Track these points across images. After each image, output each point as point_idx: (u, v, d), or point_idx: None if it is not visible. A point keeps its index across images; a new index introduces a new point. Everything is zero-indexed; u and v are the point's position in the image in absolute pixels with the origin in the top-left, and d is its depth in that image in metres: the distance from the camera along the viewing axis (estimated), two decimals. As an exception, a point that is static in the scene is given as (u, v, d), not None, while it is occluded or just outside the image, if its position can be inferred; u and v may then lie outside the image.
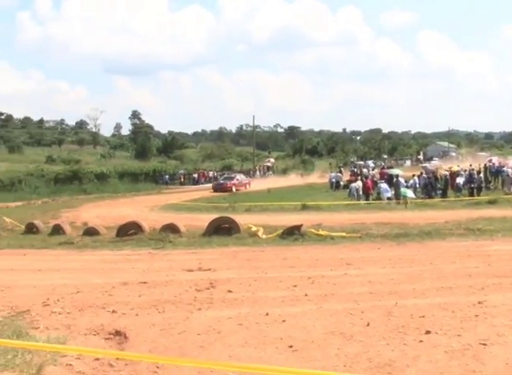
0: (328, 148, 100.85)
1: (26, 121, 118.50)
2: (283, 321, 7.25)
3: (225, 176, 56.69)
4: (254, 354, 6.05)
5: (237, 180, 52.06)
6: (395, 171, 33.98)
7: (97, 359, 6.02)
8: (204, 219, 18.16)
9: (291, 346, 6.24)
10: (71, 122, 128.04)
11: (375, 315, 7.42)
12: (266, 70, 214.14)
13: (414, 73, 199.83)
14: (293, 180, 53.67)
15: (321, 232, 15.64)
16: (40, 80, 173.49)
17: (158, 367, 5.71)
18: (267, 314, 7.58)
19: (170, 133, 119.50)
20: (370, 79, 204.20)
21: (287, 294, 8.80)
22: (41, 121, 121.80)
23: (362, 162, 63.80)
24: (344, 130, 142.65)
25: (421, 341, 6.29)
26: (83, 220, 24.72)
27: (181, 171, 68.78)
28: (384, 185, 28.04)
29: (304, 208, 24.41)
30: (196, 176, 65.41)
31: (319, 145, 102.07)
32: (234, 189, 48.11)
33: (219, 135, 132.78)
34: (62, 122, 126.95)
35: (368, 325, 6.93)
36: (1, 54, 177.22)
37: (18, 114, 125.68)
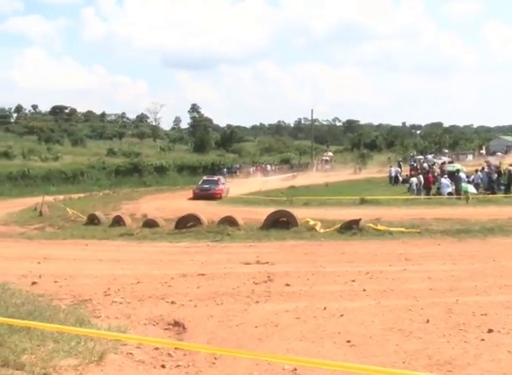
0: (387, 142, 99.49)
1: (89, 115, 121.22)
2: (341, 316, 7.20)
3: (207, 179, 46.91)
4: (311, 348, 6.03)
5: (223, 183, 44.65)
6: (454, 166, 33.29)
7: (156, 349, 6.12)
8: (262, 213, 18.19)
9: (349, 341, 6.19)
10: (132, 115, 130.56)
11: (434, 311, 7.29)
12: (325, 63, 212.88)
13: (477, 66, 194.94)
14: (351, 174, 53.23)
15: (379, 227, 15.46)
16: (102, 75, 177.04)
17: (215, 358, 5.76)
18: (325, 308, 7.55)
19: (229, 126, 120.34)
20: (432, 72, 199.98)
21: (345, 289, 8.74)
22: (103, 115, 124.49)
23: (422, 157, 62.72)
24: (404, 123, 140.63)
25: (482, 340, 6.15)
26: (142, 212, 25.12)
27: (236, 165, 69.00)
28: (445, 180, 27.51)
29: (363, 202, 24.18)
30: (251, 169, 65.32)
31: (378, 139, 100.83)
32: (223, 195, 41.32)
33: (277, 129, 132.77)
34: (123, 115, 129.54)
35: (428, 322, 6.81)
36: (66, 50, 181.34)
37: (81, 108, 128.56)
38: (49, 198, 35.76)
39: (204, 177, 48.36)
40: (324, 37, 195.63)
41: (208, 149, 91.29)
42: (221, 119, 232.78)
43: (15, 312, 7.29)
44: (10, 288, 9.22)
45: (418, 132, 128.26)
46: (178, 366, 5.69)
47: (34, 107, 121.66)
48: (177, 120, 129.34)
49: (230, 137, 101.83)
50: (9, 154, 73.81)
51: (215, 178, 46.63)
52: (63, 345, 5.99)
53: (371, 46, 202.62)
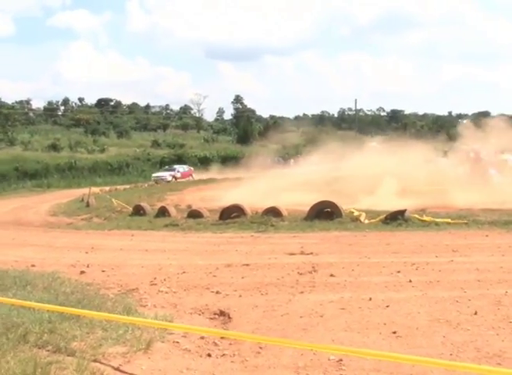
0: (432, 131, 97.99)
1: (134, 107, 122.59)
2: (387, 306, 7.15)
3: (167, 167, 57.13)
4: (356, 338, 6.01)
5: (178, 172, 53.72)
6: (504, 156, 32.53)
7: (202, 338, 6.18)
8: (306, 203, 18.14)
9: (395, 332, 6.15)
10: (176, 107, 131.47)
11: (483, 303, 7.18)
12: (369, 53, 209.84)
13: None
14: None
15: (425, 218, 15.28)
16: (146, 67, 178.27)
17: (261, 348, 5.78)
18: (370, 299, 7.51)
19: (272, 117, 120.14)
20: (478, 59, 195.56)
21: (390, 280, 8.67)
22: (148, 107, 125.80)
23: (468, 147, 61.44)
24: (450, 113, 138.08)
25: (533, 333, 6.04)
26: (187, 203, 25.34)
27: (279, 156, 68.82)
28: (493, 170, 26.96)
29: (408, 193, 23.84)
30: (292, 160, 65.07)
31: (423, 129, 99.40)
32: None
33: (321, 119, 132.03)
34: (167, 107, 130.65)
35: (476, 314, 6.71)
36: (111, 43, 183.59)
37: (126, 100, 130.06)
38: (95, 190, 36.41)
39: (166, 166, 57.25)
40: (368, 26, 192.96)
41: (251, 140, 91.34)
42: (264, 110, 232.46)
43: (65, 300, 7.46)
44: (60, 277, 9.43)
45: (465, 121, 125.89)
46: (224, 355, 5.74)
47: (81, 100, 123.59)
48: (220, 111, 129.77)
49: (273, 128, 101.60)
50: (57, 146, 75.20)
51: (173, 167, 55.28)
52: (111, 333, 6.10)
53: (416, 34, 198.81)
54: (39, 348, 5.66)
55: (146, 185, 46.64)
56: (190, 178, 53.32)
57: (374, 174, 25.28)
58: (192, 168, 58.49)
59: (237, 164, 62.87)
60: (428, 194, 20.89)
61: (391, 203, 18.49)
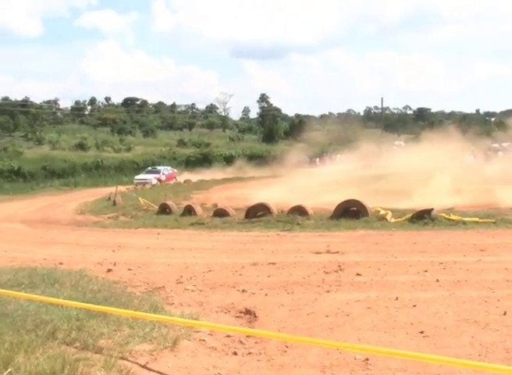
0: (460, 130, 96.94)
1: (160, 106, 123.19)
2: (414, 306, 7.09)
3: (151, 169, 53.00)
4: (383, 338, 5.97)
5: (163, 174, 50.34)
6: None
7: (228, 336, 6.19)
8: (332, 202, 18.08)
9: (422, 332, 6.09)
10: (201, 106, 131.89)
11: (512, 303, 7.09)
12: (396, 51, 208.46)
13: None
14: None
15: (452, 217, 15.12)
16: (172, 66, 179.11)
17: (287, 346, 5.78)
18: (396, 298, 7.45)
19: (297, 115, 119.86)
20: (507, 57, 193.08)
21: (417, 279, 8.60)
22: (174, 106, 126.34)
23: (497, 145, 60.77)
24: (477, 111, 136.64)
25: None
26: (213, 202, 25.41)
27: (305, 155, 68.66)
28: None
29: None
30: (317, 159, 64.90)
31: (450, 127, 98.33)
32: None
33: (347, 117, 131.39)
34: (192, 106, 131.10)
35: (505, 314, 6.62)
36: (137, 43, 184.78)
37: (152, 99, 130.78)
38: (122, 188, 36.66)
39: (149, 168, 53.28)
40: (395, 23, 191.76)
41: (276, 139, 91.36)
42: (289, 109, 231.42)
43: (92, 298, 7.53)
44: (87, 275, 9.52)
45: (493, 119, 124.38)
46: (250, 353, 5.75)
47: (107, 99, 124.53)
48: (246, 110, 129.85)
49: (299, 127, 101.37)
50: (84, 145, 76.02)
51: (157, 169, 51.82)
52: (138, 331, 6.14)
53: (444, 31, 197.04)
54: (67, 345, 5.72)
55: (172, 184, 46.83)
56: (174, 181, 49.93)
57: (415, 171, 25.13)
58: (175, 170, 55.76)
59: (263, 163, 63.00)
60: (477, 192, 20.64)
61: (445, 200, 18.29)
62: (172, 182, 49.04)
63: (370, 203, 17.16)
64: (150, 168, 53.55)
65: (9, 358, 5.16)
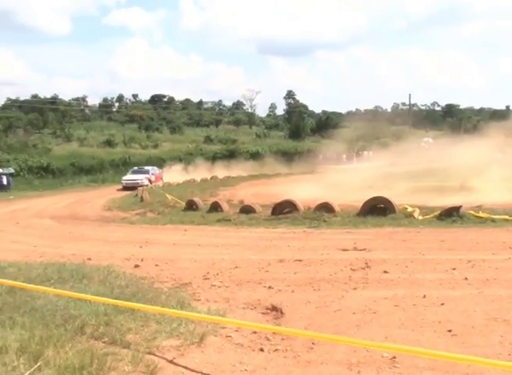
0: (489, 126, 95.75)
1: (187, 103, 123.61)
2: (442, 304, 7.03)
3: (137, 169, 48.94)
4: (410, 336, 5.93)
5: (152, 174, 47.09)
6: None
7: (254, 333, 6.20)
8: (359, 199, 17.99)
9: (450, 330, 6.03)
10: (228, 103, 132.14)
11: (542, 302, 6.99)
12: (424, 46, 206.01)
13: None
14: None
15: (481, 214, 14.95)
16: (199, 63, 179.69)
17: (313, 343, 5.77)
18: (424, 296, 7.39)
19: (324, 112, 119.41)
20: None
21: (445, 277, 8.52)
22: (200, 102, 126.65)
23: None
24: (507, 107, 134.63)
25: None
26: (239, 198, 25.43)
27: (332, 152, 68.39)
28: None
29: (464, 188, 23.38)
30: (344, 156, 64.61)
31: (479, 124, 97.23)
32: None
33: (374, 114, 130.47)
34: (219, 103, 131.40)
35: (535, 313, 6.54)
36: (164, 40, 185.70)
37: (179, 96, 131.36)
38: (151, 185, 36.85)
39: (136, 167, 49.52)
40: (423, 19, 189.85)
41: (303, 135, 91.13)
42: (316, 105, 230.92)
43: (120, 293, 7.60)
44: (115, 271, 9.61)
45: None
46: (276, 350, 5.74)
47: (135, 96, 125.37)
48: (273, 107, 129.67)
49: (326, 123, 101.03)
50: (112, 142, 76.59)
51: (146, 168, 48.19)
52: (165, 326, 6.19)
53: (473, 26, 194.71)
54: (95, 340, 5.78)
55: (198, 180, 46.94)
56: (160, 182, 46.25)
57: (457, 166, 24.89)
58: (161, 170, 52.73)
59: (289, 160, 62.95)
60: (505, 189, 20.33)
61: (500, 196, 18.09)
62: (159, 183, 45.97)
63: (429, 200, 16.88)
64: (136, 168, 49.86)
65: (39, 352, 5.24)
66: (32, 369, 4.92)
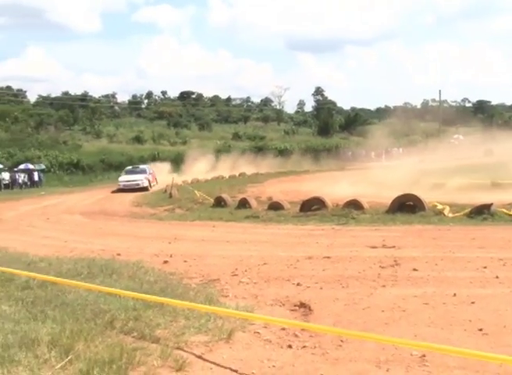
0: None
1: (215, 99, 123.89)
2: (472, 303, 6.95)
3: (132, 168, 43.69)
4: (440, 334, 5.87)
5: (150, 174, 42.21)
6: None
7: (283, 329, 6.19)
8: (387, 196, 17.87)
9: (481, 329, 5.96)
10: (256, 99, 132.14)
11: None
12: (454, 41, 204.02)
13: None
14: (482, 157, 50.92)
15: (512, 212, 14.75)
16: (227, 59, 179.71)
17: (342, 341, 5.74)
18: (454, 295, 7.31)
19: (353, 109, 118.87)
20: None
21: (476, 276, 8.41)
22: (229, 99, 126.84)
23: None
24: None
25: None
26: (267, 195, 25.44)
27: (361, 149, 68.12)
28: None
29: (495, 186, 23.07)
30: (373, 153, 64.33)
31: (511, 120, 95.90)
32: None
33: (403, 111, 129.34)
34: (248, 99, 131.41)
35: None
36: (193, 37, 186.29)
37: (208, 93, 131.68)
38: (178, 181, 37.07)
39: (131, 167, 44.40)
40: (453, 13, 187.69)
41: (331, 132, 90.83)
42: (345, 102, 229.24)
43: (149, 288, 7.67)
44: (144, 266, 9.70)
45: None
46: (304, 346, 5.73)
47: (164, 93, 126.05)
48: (301, 103, 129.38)
49: (354, 120, 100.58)
50: (141, 138, 77.23)
51: (142, 167, 43.13)
52: (194, 322, 6.22)
53: (504, 20, 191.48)
54: (125, 334, 5.84)
55: (227, 177, 47.03)
56: (155, 183, 42.56)
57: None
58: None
59: (318, 156, 62.78)
60: None
61: None
62: (155, 183, 42.65)
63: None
64: (130, 167, 44.49)
65: (70, 345, 5.31)
66: (63, 363, 4.99)
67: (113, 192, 38.78)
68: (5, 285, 8.10)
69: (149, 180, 40.66)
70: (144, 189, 38.41)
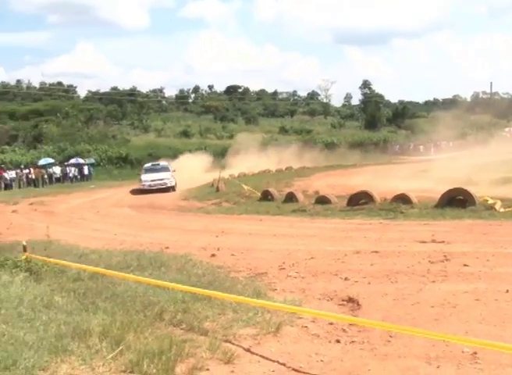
0: None
1: (262, 93, 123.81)
2: (525, 300, 6.80)
3: (151, 166, 37.02)
4: (492, 331, 5.75)
5: (174, 171, 35.96)
6: None
7: (331, 324, 6.18)
8: (436, 191, 17.59)
9: (535, 327, 5.84)
10: (303, 93, 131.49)
11: None
12: (506, 33, 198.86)
13: None
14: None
15: None
16: (274, 53, 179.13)
17: (391, 336, 5.69)
18: (507, 291, 7.15)
19: (401, 102, 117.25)
20: None
21: (529, 272, 8.24)
22: (275, 93, 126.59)
23: None
24: None
25: None
26: (314, 189, 25.32)
27: (409, 142, 67.20)
28: None
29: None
30: (421, 147, 63.40)
31: None
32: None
33: (453, 103, 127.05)
34: (294, 93, 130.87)
35: None
36: (240, 31, 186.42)
37: (254, 87, 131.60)
38: (224, 175, 37.22)
39: (150, 164, 37.95)
40: (505, 3, 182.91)
41: (379, 126, 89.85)
42: (393, 95, 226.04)
43: (197, 281, 7.73)
44: (192, 259, 9.79)
45: None
46: (352, 341, 5.70)
47: (210, 87, 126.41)
48: (348, 97, 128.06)
49: (402, 113, 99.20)
50: (188, 132, 77.78)
51: (164, 164, 36.93)
52: (242, 315, 6.25)
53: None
54: (174, 326, 5.91)
55: (273, 171, 46.99)
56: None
57: None
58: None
59: (365, 150, 62.21)
60: None
61: None
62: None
63: None
64: (149, 164, 37.98)
65: (120, 336, 5.40)
66: (114, 353, 5.07)
67: (133, 193, 34.52)
68: (57, 277, 8.28)
69: (174, 178, 35.17)
70: (170, 190, 33.70)
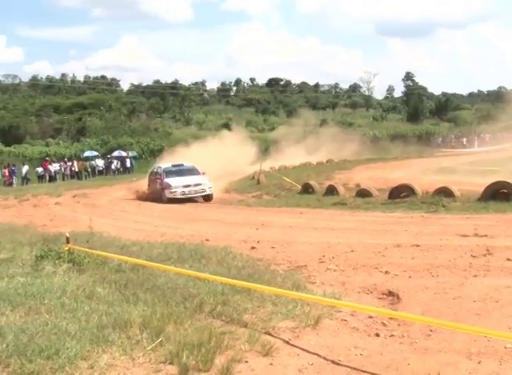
0: None
1: (303, 86, 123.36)
2: None
3: (177, 167, 27.15)
4: (536, 328, 5.66)
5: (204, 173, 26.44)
6: None
7: (370, 317, 6.15)
8: (479, 184, 17.29)
9: None
10: (344, 85, 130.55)
11: None
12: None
13: None
14: None
15: None
16: (316, 46, 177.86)
17: (431, 330, 5.64)
18: (551, 286, 7.03)
19: (444, 94, 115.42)
20: None
21: None
22: (317, 85, 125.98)
23: None
24: None
25: None
26: (355, 182, 25.18)
27: (452, 135, 66.12)
28: None
29: None
30: (465, 139, 62.35)
31: None
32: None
33: (498, 95, 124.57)
34: (336, 86, 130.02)
35: None
36: (282, 24, 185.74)
37: (296, 79, 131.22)
38: (265, 167, 37.22)
39: (175, 166, 27.65)
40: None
41: (421, 118, 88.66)
42: (436, 87, 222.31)
43: (236, 274, 7.76)
44: (232, 252, 9.83)
45: None
46: (392, 335, 5.67)
47: (252, 80, 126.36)
48: (390, 89, 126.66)
49: (445, 106, 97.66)
50: (229, 125, 77.95)
51: (189, 166, 27.61)
52: (281, 308, 6.27)
53: None
54: (213, 318, 5.96)
55: (314, 163, 46.80)
56: None
57: None
58: None
59: (407, 143, 61.46)
60: None
61: None
62: None
63: None
64: (170, 165, 27.91)
65: (160, 328, 5.46)
66: (154, 344, 5.14)
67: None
68: (99, 268, 8.41)
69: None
70: (210, 198, 25.51)
